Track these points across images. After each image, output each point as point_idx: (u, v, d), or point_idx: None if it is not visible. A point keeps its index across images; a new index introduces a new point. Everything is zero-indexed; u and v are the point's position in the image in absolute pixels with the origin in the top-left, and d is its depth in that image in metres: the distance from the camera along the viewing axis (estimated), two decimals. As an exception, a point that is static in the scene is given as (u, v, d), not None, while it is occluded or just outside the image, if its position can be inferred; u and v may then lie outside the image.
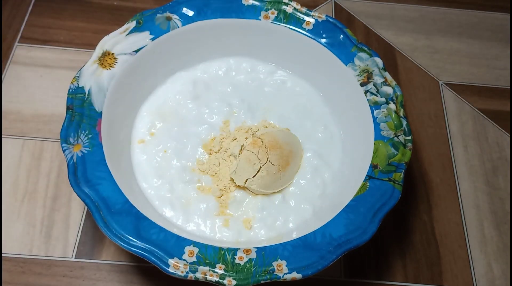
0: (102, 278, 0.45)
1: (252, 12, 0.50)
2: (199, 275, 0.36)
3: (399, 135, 0.44)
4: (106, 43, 0.47)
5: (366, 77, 0.47)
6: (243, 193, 0.44)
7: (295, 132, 0.48)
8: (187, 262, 0.36)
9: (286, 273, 0.36)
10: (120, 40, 0.47)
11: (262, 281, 0.36)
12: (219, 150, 0.46)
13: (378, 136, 0.44)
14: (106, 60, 0.46)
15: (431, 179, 0.54)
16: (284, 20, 0.50)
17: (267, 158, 0.44)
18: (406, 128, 0.44)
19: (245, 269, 0.36)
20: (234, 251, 0.38)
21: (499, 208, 0.52)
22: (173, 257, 0.36)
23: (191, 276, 0.36)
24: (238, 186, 0.44)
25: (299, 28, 0.50)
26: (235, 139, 0.47)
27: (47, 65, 0.58)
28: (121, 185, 0.40)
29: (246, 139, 0.46)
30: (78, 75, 0.44)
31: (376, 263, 0.48)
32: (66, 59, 0.58)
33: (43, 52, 0.59)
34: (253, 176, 0.43)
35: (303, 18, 0.50)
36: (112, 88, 0.45)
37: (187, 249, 0.37)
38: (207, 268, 0.36)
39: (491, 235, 0.50)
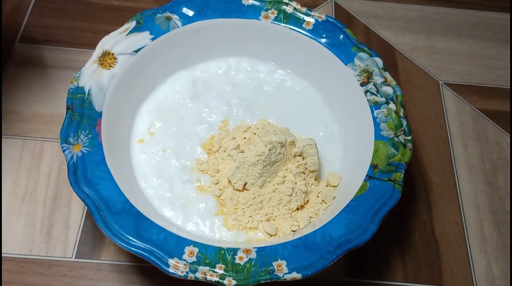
0: (102, 278, 0.45)
1: (252, 12, 0.50)
2: (199, 275, 0.36)
3: (399, 135, 0.44)
4: (106, 43, 0.47)
5: (366, 77, 0.47)
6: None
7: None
8: (187, 262, 0.36)
9: (286, 273, 0.36)
10: (120, 40, 0.47)
11: (262, 281, 0.36)
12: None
13: (378, 136, 0.44)
14: (106, 60, 0.46)
15: (431, 179, 0.54)
16: (284, 20, 0.50)
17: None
18: (406, 128, 0.44)
19: (245, 269, 0.36)
20: (234, 251, 0.38)
21: (499, 208, 0.52)
22: (173, 257, 0.36)
23: (191, 276, 0.36)
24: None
25: (299, 28, 0.50)
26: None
27: (47, 65, 0.58)
28: (121, 185, 0.40)
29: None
30: (78, 75, 0.44)
31: (376, 263, 0.48)
32: (66, 59, 0.58)
33: (43, 52, 0.59)
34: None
35: (303, 18, 0.50)
36: (112, 88, 0.45)
37: (187, 249, 0.37)
38: (207, 268, 0.36)
39: (491, 235, 0.50)
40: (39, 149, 0.52)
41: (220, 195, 0.44)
